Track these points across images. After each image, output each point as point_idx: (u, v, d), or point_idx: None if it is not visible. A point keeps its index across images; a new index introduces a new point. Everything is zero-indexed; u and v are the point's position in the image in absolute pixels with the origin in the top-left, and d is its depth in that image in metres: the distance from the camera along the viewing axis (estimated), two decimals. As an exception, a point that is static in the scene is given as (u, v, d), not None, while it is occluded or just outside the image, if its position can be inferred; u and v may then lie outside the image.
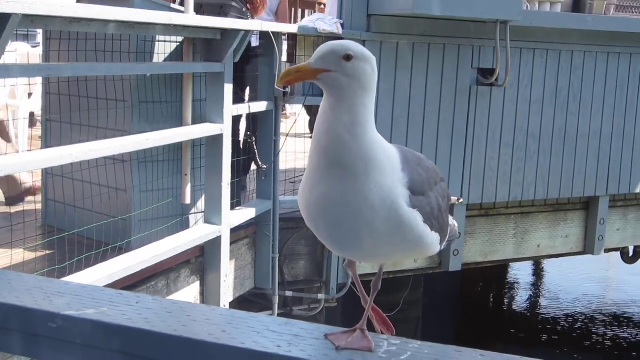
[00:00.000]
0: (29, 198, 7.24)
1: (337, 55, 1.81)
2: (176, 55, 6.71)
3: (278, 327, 1.76)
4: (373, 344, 1.70)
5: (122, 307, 1.83)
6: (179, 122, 6.60)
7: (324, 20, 7.76)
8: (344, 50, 1.81)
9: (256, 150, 7.35)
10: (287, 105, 11.87)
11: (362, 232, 1.80)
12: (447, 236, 2.10)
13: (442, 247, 2.05)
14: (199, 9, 6.91)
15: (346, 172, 1.78)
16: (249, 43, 7.07)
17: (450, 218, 2.22)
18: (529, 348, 11.17)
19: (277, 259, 7.61)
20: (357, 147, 1.78)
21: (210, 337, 1.68)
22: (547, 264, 15.84)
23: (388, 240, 1.83)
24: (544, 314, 13.61)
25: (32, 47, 13.67)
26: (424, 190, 1.90)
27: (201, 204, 6.85)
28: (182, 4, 6.52)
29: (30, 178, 7.63)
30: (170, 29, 5.97)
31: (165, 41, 6.59)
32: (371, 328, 1.84)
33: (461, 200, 2.74)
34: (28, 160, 4.73)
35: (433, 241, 1.93)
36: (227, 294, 6.83)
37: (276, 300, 7.65)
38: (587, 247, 9.82)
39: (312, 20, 7.86)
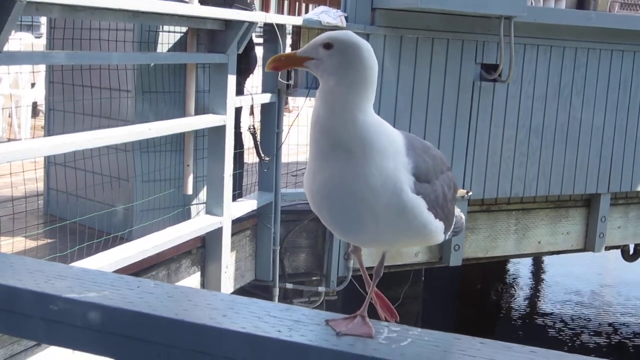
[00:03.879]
0: (31, 187, 7.24)
1: (320, 44, 1.85)
2: (180, 46, 6.71)
3: (279, 312, 1.76)
4: (373, 330, 1.71)
5: (123, 291, 1.84)
6: (182, 113, 6.61)
7: (328, 13, 7.76)
8: (324, 39, 1.84)
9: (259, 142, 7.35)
10: (290, 99, 11.91)
11: (365, 216, 1.81)
12: (452, 226, 2.10)
13: (448, 237, 2.06)
14: (204, 0, 6.91)
15: (345, 156, 1.79)
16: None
17: (458, 209, 2.23)
18: (528, 343, 11.17)
19: (278, 251, 7.62)
20: (348, 130, 1.79)
21: (211, 321, 1.68)
22: (547, 261, 15.84)
23: (391, 226, 1.84)
24: (543, 310, 13.62)
25: (36, 37, 13.69)
26: (429, 178, 1.90)
27: (203, 194, 6.86)
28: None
29: None
30: (175, 19, 5.97)
31: (169, 31, 6.60)
32: (372, 315, 1.85)
33: (470, 194, 2.70)
34: (30, 148, 4.73)
35: (437, 229, 1.93)
36: (227, 285, 6.84)
37: (276, 292, 7.66)
38: (588, 244, 9.82)
39: (316, 13, 7.86)
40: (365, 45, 1.86)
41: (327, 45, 1.83)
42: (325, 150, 1.81)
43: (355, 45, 1.84)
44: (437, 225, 1.93)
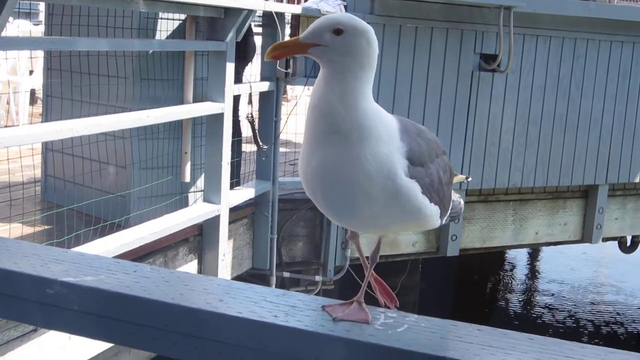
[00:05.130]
0: (29, 173, 7.23)
1: (326, 30, 1.80)
2: (179, 33, 6.70)
3: (275, 297, 1.76)
4: (370, 316, 1.71)
5: (119, 275, 1.83)
6: (180, 100, 6.59)
7: (328, 2, 7.74)
8: (334, 25, 1.80)
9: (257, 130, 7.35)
10: (289, 89, 11.89)
11: (359, 201, 1.80)
12: (449, 210, 2.09)
13: (444, 222, 2.05)
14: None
15: (340, 141, 1.77)
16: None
17: (457, 194, 2.22)
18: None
19: (275, 239, 7.61)
20: (349, 116, 1.77)
21: (208, 305, 1.68)
22: (544, 252, 15.86)
23: (385, 210, 1.83)
24: (540, 301, 13.64)
25: (34, 25, 13.67)
26: (423, 161, 1.89)
27: (200, 182, 6.86)
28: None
29: None
30: (173, 6, 5.96)
31: (167, 19, 6.58)
32: (369, 301, 1.84)
33: (470, 179, 2.69)
34: (28, 134, 4.72)
35: (432, 213, 1.92)
36: (224, 273, 6.84)
37: (273, 281, 7.66)
38: (585, 235, 9.82)
39: (315, 2, 7.84)
40: (372, 30, 1.85)
41: (338, 31, 1.80)
42: (322, 135, 1.80)
43: (365, 29, 1.82)
44: (432, 210, 1.92)
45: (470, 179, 2.69)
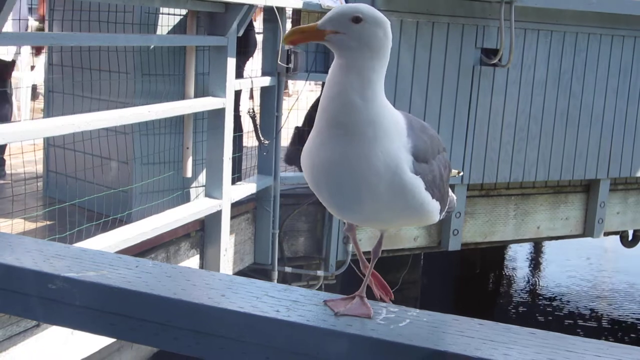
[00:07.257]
0: (30, 170, 7.24)
1: (345, 17, 1.78)
2: (180, 28, 6.70)
3: (277, 292, 1.77)
4: (372, 311, 1.71)
5: (121, 271, 1.84)
6: (182, 95, 6.59)
7: (329, -4, 7.72)
8: (353, 13, 1.78)
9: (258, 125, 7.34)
10: (290, 83, 11.88)
11: (365, 195, 1.79)
12: (447, 206, 2.09)
13: (441, 217, 2.05)
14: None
15: (354, 136, 1.76)
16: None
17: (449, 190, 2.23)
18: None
19: (277, 234, 7.62)
20: (367, 112, 1.76)
21: (210, 300, 1.68)
22: (546, 246, 15.85)
23: (390, 205, 1.82)
24: (542, 296, 13.64)
25: (36, 20, 13.64)
26: (427, 158, 1.89)
27: (202, 177, 6.86)
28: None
29: None
30: (174, 1, 5.95)
31: (169, 14, 6.58)
32: (370, 295, 1.85)
33: (461, 173, 2.69)
34: (29, 129, 4.72)
35: (433, 209, 1.92)
36: (226, 268, 6.85)
37: (275, 275, 7.66)
38: (587, 230, 9.81)
39: (316, -4, 7.82)
40: (389, 22, 1.84)
41: (357, 19, 1.78)
42: (335, 127, 1.78)
43: (383, 20, 1.82)
44: (434, 205, 1.92)
45: (462, 174, 2.70)
